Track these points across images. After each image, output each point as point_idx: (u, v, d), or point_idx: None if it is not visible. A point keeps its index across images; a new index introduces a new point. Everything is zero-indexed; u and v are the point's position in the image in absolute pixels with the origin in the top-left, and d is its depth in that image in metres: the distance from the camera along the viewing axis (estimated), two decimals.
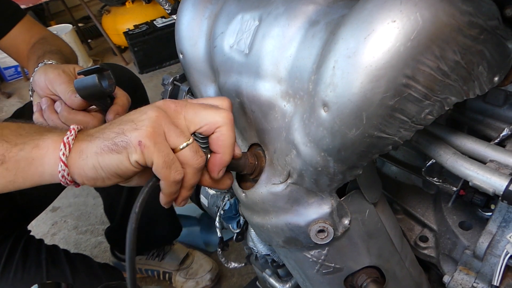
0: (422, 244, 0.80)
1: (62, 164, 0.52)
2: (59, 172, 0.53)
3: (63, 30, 3.64)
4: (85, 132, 0.55)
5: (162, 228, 1.65)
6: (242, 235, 0.95)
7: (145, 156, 0.51)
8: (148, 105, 0.55)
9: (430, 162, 0.71)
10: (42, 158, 0.54)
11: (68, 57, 1.11)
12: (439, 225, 0.79)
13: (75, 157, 0.52)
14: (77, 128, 0.55)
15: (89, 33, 4.48)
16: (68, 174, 0.53)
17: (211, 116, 0.54)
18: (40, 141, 0.55)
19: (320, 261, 0.64)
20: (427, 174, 0.74)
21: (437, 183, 0.73)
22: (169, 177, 0.52)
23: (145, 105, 0.55)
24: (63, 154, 0.52)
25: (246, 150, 0.66)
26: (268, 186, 0.60)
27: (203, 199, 1.19)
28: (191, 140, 0.53)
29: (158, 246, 1.76)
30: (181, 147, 0.52)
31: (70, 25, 3.88)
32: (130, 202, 1.52)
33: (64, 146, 0.52)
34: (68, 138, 0.53)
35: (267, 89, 0.57)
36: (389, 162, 0.88)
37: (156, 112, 0.52)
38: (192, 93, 0.96)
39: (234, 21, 0.64)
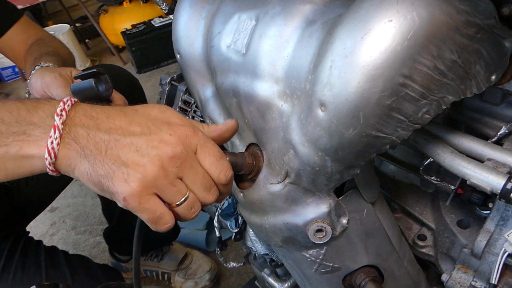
0: (420, 243, 0.80)
1: (51, 171, 0.50)
2: (50, 174, 0.51)
3: (61, 30, 3.64)
4: (74, 131, 0.49)
5: None
6: (241, 234, 0.95)
7: (129, 209, 0.49)
8: (164, 132, 0.50)
9: (428, 161, 0.71)
10: (29, 160, 0.50)
11: (65, 59, 1.11)
12: (437, 224, 0.79)
13: (62, 163, 0.49)
14: (61, 126, 0.48)
15: (87, 33, 4.47)
16: (58, 174, 0.51)
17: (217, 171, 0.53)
18: (25, 143, 0.49)
19: (318, 260, 0.64)
20: (425, 173, 0.74)
21: (435, 181, 0.73)
22: (156, 228, 0.51)
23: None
24: (50, 163, 0.49)
25: (243, 150, 0.66)
26: (266, 186, 0.60)
27: None
28: (187, 194, 0.51)
29: (156, 247, 1.76)
30: (177, 203, 0.50)
31: (68, 25, 3.87)
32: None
33: (49, 154, 0.48)
34: (52, 142, 0.48)
35: (265, 89, 0.57)
36: (387, 161, 0.88)
37: (157, 167, 0.47)
38: (189, 93, 0.96)
39: (231, 21, 0.64)
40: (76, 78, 0.75)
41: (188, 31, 0.75)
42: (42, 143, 0.48)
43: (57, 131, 0.48)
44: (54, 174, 0.51)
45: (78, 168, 0.49)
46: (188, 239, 1.91)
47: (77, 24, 4.43)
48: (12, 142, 0.49)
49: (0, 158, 0.49)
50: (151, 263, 1.77)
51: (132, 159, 0.47)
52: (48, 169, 0.50)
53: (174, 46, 0.78)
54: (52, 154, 0.48)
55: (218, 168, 0.53)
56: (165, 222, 0.50)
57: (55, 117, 0.49)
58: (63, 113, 0.49)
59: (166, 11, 0.93)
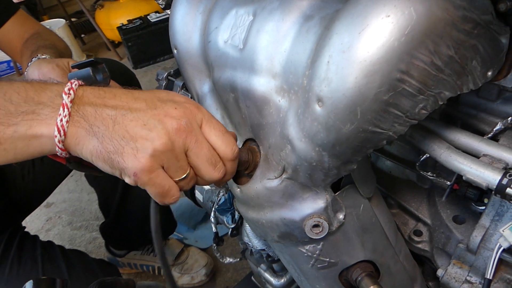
0: (416, 238, 0.81)
1: (60, 150, 0.50)
2: (59, 153, 0.51)
3: (56, 25, 3.62)
4: (82, 109, 0.50)
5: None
6: (237, 230, 0.96)
7: (138, 184, 0.50)
8: (169, 106, 0.51)
9: (424, 156, 0.71)
10: (38, 139, 0.50)
11: (62, 52, 1.10)
12: (433, 219, 0.80)
13: (71, 142, 0.50)
14: (69, 104, 0.49)
15: (82, 28, 4.45)
16: (67, 154, 0.51)
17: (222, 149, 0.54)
18: (34, 122, 0.49)
19: (315, 255, 0.64)
20: (421, 169, 0.74)
21: (431, 177, 0.74)
22: (164, 202, 0.53)
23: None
24: (59, 141, 0.49)
25: (240, 146, 0.66)
26: (263, 181, 0.60)
27: (198, 195, 1.19)
28: (188, 170, 0.52)
29: (153, 241, 1.75)
30: (178, 179, 0.52)
31: (63, 20, 3.85)
32: (125, 197, 1.51)
33: (59, 131, 0.48)
34: (62, 120, 0.48)
35: (262, 84, 0.57)
36: (384, 157, 0.88)
37: (164, 139, 0.49)
38: (186, 88, 0.96)
39: (228, 16, 0.64)
40: (73, 67, 0.74)
41: (185, 26, 0.74)
42: (52, 121, 0.49)
43: (66, 109, 0.49)
44: (63, 153, 0.51)
45: (87, 147, 0.49)
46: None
47: (72, 19, 4.40)
48: (21, 122, 0.49)
49: (9, 137, 0.49)
50: (148, 258, 1.77)
51: (140, 133, 0.48)
52: (57, 148, 0.50)
53: (171, 41, 0.78)
54: (62, 132, 0.48)
55: (224, 142, 0.54)
56: (173, 195, 0.52)
57: (63, 95, 0.49)
58: (71, 92, 0.50)
59: (163, 5, 0.92)
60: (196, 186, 1.30)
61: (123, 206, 1.53)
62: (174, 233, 1.87)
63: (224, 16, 0.65)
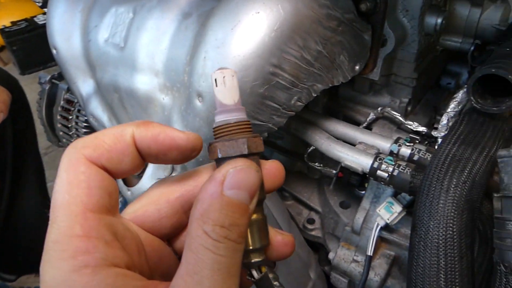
0: (309, 226, 0.86)
1: None
2: None
3: None
4: None
5: None
6: None
7: None
8: None
9: (311, 148, 0.76)
10: None
11: None
12: (323, 207, 0.85)
13: None
14: None
15: None
16: None
17: None
18: None
19: None
20: (309, 160, 0.79)
21: (318, 167, 0.79)
22: None
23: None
24: None
25: None
26: (153, 181, 0.59)
27: None
28: None
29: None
30: None
31: None
32: (10, 212, 1.38)
33: None
34: None
35: (145, 82, 0.56)
36: (276, 151, 0.92)
37: None
38: (71, 92, 0.90)
39: (108, 14, 0.62)
40: None
41: (64, 25, 0.70)
42: None
43: None
44: None
45: None
46: None
47: None
48: None
49: None
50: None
51: None
52: None
53: (50, 41, 0.73)
54: None
55: None
56: None
57: None
58: None
59: (41, 3, 0.86)
60: None
61: (8, 223, 1.40)
62: None
63: (104, 14, 0.63)
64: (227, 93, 0.27)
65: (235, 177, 0.26)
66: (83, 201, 0.25)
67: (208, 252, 0.25)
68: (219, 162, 0.27)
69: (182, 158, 0.29)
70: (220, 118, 0.27)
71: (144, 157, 0.28)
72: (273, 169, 0.31)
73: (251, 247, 0.28)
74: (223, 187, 0.25)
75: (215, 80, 0.26)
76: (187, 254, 0.25)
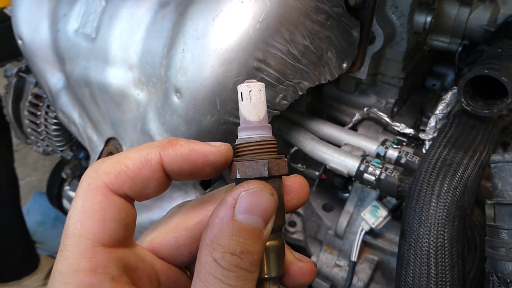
0: (291, 229, 0.83)
1: None
2: None
3: None
4: None
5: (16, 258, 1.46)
6: None
7: None
8: None
9: (294, 149, 0.73)
10: None
11: None
12: (305, 209, 0.82)
13: None
14: None
15: None
16: None
17: None
18: None
19: None
20: (292, 161, 0.76)
21: (301, 169, 0.76)
22: None
23: None
24: None
25: (102, 146, 0.60)
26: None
27: (66, 203, 1.08)
28: None
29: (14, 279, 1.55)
30: None
31: None
32: None
33: None
34: None
35: (118, 76, 0.52)
36: None
37: None
38: (40, 86, 0.85)
39: (79, 1, 0.58)
40: None
41: (31, 13, 0.65)
42: None
43: None
44: None
45: None
46: None
47: None
48: None
49: None
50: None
51: None
52: None
53: (15, 31, 0.68)
54: None
55: None
56: None
57: None
58: None
59: None
60: (65, 195, 1.18)
61: None
62: (45, 248, 1.67)
63: (74, 2, 0.58)
64: (252, 109, 0.24)
65: (247, 200, 0.24)
66: (95, 234, 0.24)
67: (217, 281, 0.23)
68: (238, 182, 0.25)
69: (215, 173, 0.27)
70: (243, 135, 0.25)
71: (173, 177, 0.26)
72: (296, 184, 0.28)
73: (266, 276, 0.25)
74: (234, 211, 0.23)
75: (241, 93, 0.24)
76: (196, 283, 0.23)
